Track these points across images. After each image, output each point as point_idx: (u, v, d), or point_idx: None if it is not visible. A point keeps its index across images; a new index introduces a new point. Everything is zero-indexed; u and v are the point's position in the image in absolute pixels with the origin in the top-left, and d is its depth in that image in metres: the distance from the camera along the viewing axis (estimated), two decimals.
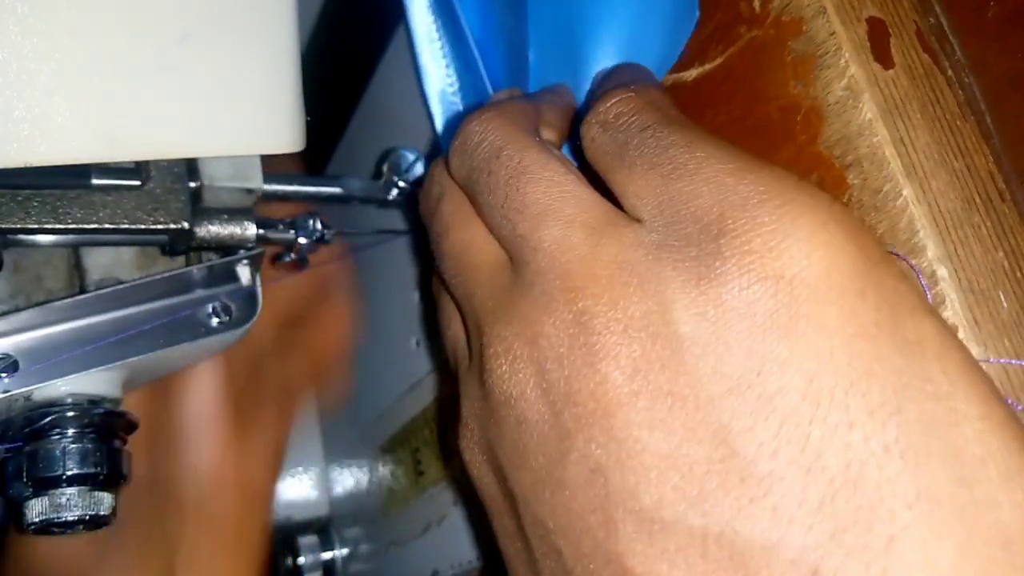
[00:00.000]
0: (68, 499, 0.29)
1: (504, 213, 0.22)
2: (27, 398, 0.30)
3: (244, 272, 0.34)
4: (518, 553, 0.23)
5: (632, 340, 0.19)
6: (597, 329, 0.19)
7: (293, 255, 0.37)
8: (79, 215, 0.30)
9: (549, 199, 0.21)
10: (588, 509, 0.19)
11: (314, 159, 0.53)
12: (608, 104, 0.23)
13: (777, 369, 0.17)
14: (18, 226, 0.30)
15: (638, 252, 0.20)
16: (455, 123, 0.36)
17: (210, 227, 0.33)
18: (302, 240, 0.36)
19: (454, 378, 0.27)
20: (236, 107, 0.30)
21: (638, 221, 0.21)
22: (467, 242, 0.24)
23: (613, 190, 0.22)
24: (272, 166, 0.33)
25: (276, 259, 0.38)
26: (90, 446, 0.30)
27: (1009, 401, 0.20)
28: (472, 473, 0.25)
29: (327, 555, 0.54)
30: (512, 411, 0.21)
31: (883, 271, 0.18)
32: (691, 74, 0.27)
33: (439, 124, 0.36)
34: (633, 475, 0.18)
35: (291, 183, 0.36)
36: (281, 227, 0.36)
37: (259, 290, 0.34)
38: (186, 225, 0.32)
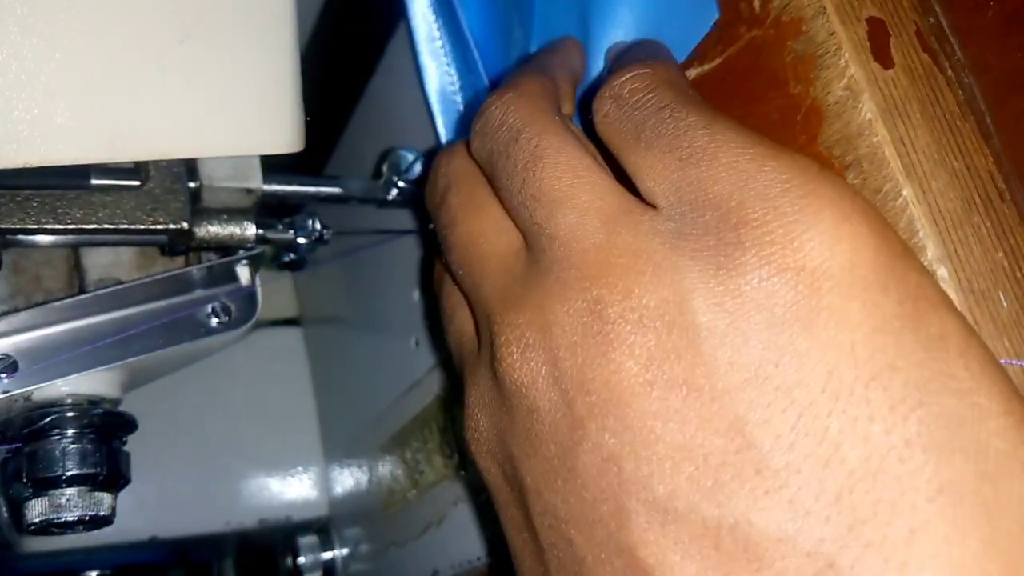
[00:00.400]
0: (68, 499, 0.29)
1: (521, 199, 0.22)
2: (27, 398, 0.30)
3: (244, 272, 0.34)
4: (525, 544, 0.22)
5: (647, 329, 0.19)
6: (611, 318, 0.19)
7: (292, 255, 0.37)
8: (79, 215, 0.30)
9: (564, 185, 0.21)
10: (600, 498, 0.19)
11: (314, 159, 0.53)
12: (623, 79, 0.22)
13: (796, 361, 0.17)
14: (18, 226, 0.30)
15: (654, 240, 0.19)
16: (455, 122, 0.36)
17: (209, 227, 0.33)
18: (301, 240, 0.36)
19: (456, 372, 0.27)
20: (236, 107, 0.30)
21: (654, 207, 0.20)
22: (476, 232, 0.24)
23: (627, 170, 0.21)
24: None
25: (275, 259, 0.38)
26: (89, 446, 0.30)
27: None
28: (479, 464, 0.24)
29: (327, 555, 0.54)
30: (524, 400, 0.21)
31: (906, 265, 0.18)
32: (691, 74, 0.27)
33: (439, 123, 0.36)
34: (647, 465, 0.18)
35: (291, 183, 0.36)
36: (280, 227, 0.36)
37: (259, 290, 0.34)
38: (185, 225, 0.32)
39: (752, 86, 0.24)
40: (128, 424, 0.32)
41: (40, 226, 0.30)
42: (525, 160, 0.22)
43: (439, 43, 0.35)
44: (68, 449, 0.30)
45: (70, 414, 0.30)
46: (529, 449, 0.21)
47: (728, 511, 0.17)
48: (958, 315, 0.18)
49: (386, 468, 0.49)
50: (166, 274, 0.33)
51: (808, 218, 0.18)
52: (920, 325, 0.17)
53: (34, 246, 0.32)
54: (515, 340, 0.21)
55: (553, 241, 0.21)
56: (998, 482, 0.16)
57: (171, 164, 0.32)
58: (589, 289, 0.20)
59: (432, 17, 0.35)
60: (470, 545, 0.40)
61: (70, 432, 0.30)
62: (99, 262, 0.34)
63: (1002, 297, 0.21)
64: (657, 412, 0.18)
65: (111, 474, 0.30)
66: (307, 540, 0.54)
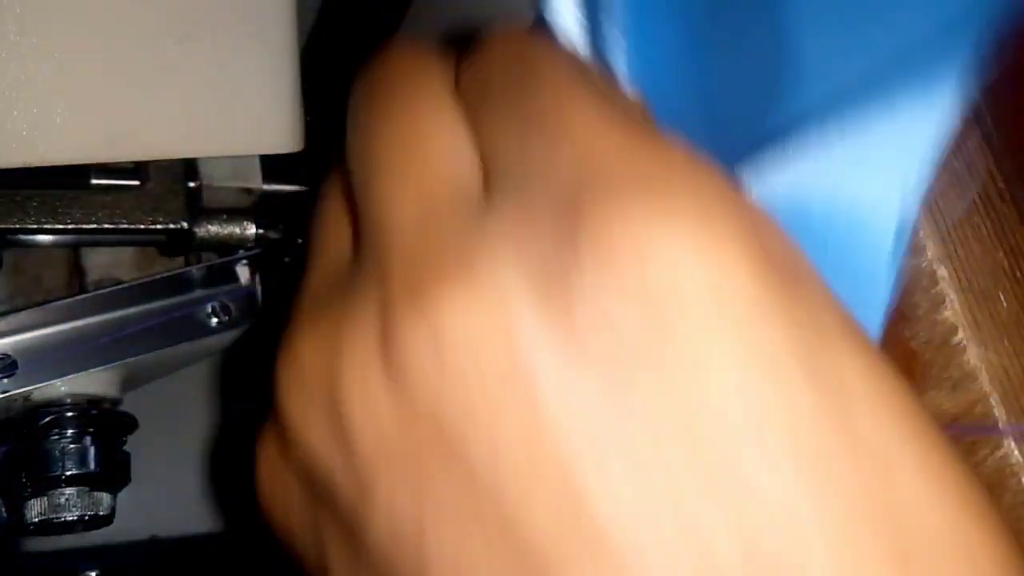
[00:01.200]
0: (67, 499, 0.29)
1: (352, 171, 0.17)
2: (26, 398, 0.30)
3: (243, 272, 0.34)
4: None
5: (450, 371, 0.14)
6: (405, 351, 0.14)
7: None
8: (78, 215, 0.30)
9: (394, 153, 0.16)
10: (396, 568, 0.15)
11: (314, 159, 0.53)
12: (489, 39, 0.18)
13: (644, 418, 0.13)
14: (18, 226, 0.30)
15: (474, 239, 0.14)
16: None
17: (209, 227, 0.33)
18: None
19: None
20: (235, 107, 0.30)
21: (490, 191, 0.15)
22: (323, 215, 0.19)
23: (479, 145, 0.16)
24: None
25: None
26: (89, 446, 0.30)
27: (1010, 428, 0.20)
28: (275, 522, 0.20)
29: None
30: (300, 449, 0.16)
31: (793, 291, 0.14)
32: None
33: None
34: (450, 545, 0.14)
35: (291, 183, 0.36)
36: None
37: (258, 290, 0.34)
38: (185, 225, 0.32)
39: None
40: (128, 424, 0.32)
41: (40, 226, 0.30)
42: (363, 120, 0.17)
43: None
44: (67, 449, 0.30)
45: (69, 414, 0.30)
46: (326, 513, 0.17)
47: None
48: (860, 353, 0.14)
49: None
50: (166, 274, 0.33)
51: (662, 225, 0.13)
52: (815, 368, 0.13)
53: (34, 245, 0.32)
54: (287, 368, 0.16)
55: (366, 232, 0.16)
56: (910, 558, 0.13)
57: (170, 164, 0.32)
58: (385, 307, 0.14)
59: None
60: None
61: (69, 432, 0.30)
62: (99, 262, 0.34)
63: (1002, 297, 0.21)
64: (435, 473, 0.14)
65: (110, 474, 0.31)
66: None
